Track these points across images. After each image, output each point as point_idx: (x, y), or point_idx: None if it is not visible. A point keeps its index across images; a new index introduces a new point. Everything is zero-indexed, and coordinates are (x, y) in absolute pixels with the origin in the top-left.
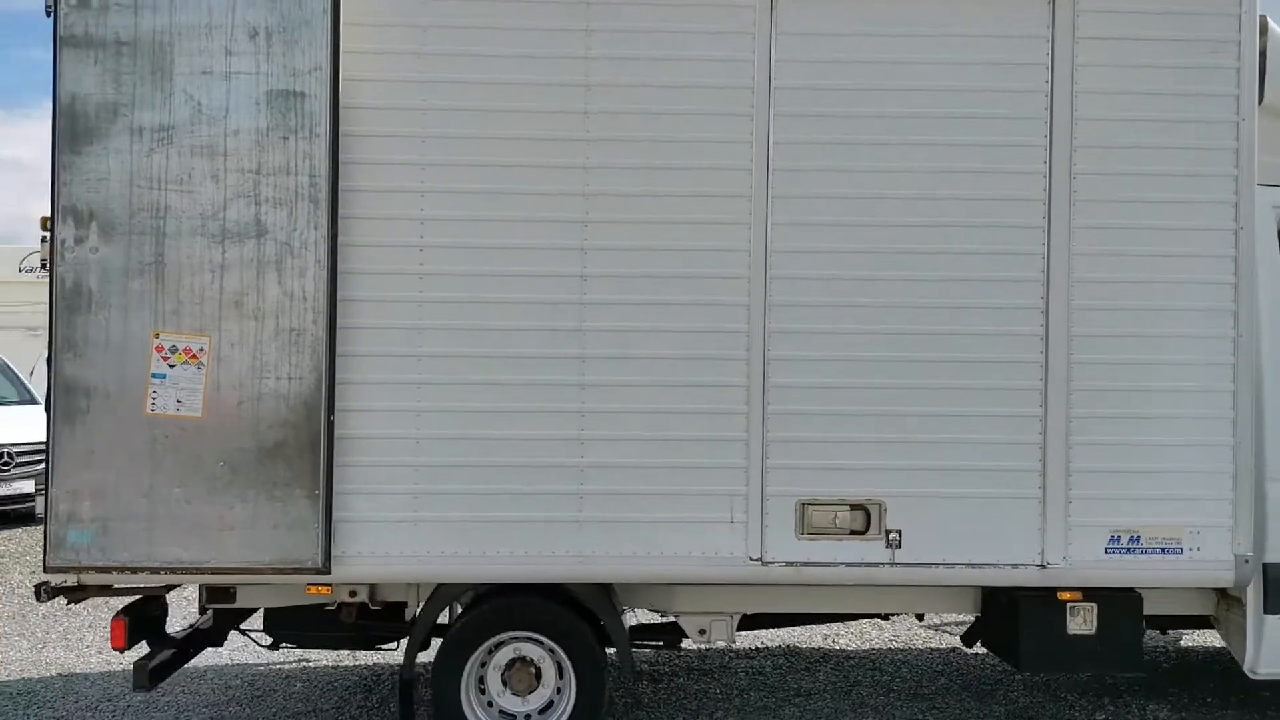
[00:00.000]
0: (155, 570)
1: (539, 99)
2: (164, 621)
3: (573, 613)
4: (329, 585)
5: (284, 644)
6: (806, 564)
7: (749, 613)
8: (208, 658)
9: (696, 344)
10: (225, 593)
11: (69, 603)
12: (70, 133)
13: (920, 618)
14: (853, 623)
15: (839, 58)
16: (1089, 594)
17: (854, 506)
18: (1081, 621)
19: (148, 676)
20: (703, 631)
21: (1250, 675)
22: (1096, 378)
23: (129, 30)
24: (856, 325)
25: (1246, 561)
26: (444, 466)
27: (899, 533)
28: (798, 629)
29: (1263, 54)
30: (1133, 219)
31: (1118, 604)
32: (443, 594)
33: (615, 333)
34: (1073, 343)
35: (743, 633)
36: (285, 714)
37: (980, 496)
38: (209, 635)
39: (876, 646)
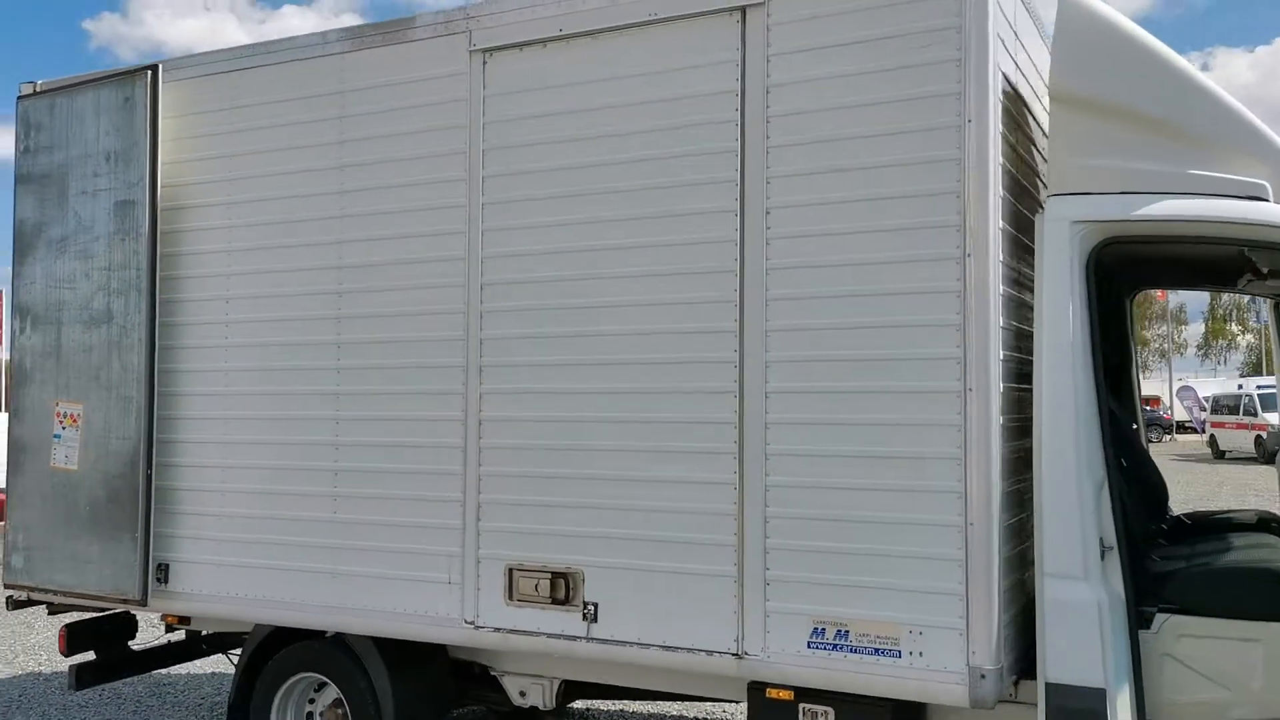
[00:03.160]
0: (52, 591)
1: (304, 184)
2: (119, 634)
3: (350, 660)
4: (177, 615)
5: None
6: (513, 631)
7: (570, 679)
8: None
9: (421, 405)
10: (182, 617)
11: (50, 613)
12: (19, 248)
13: None
14: None
15: (542, 111)
16: (821, 696)
17: (555, 574)
18: None
19: (76, 678)
20: (523, 694)
21: None
22: (795, 441)
23: (47, 166)
24: (555, 385)
25: (984, 677)
26: (240, 518)
27: (595, 606)
28: None
29: (1054, 34)
30: (829, 256)
31: (862, 712)
32: (257, 632)
33: (359, 396)
34: (769, 400)
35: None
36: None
37: (675, 571)
38: (184, 650)
39: None
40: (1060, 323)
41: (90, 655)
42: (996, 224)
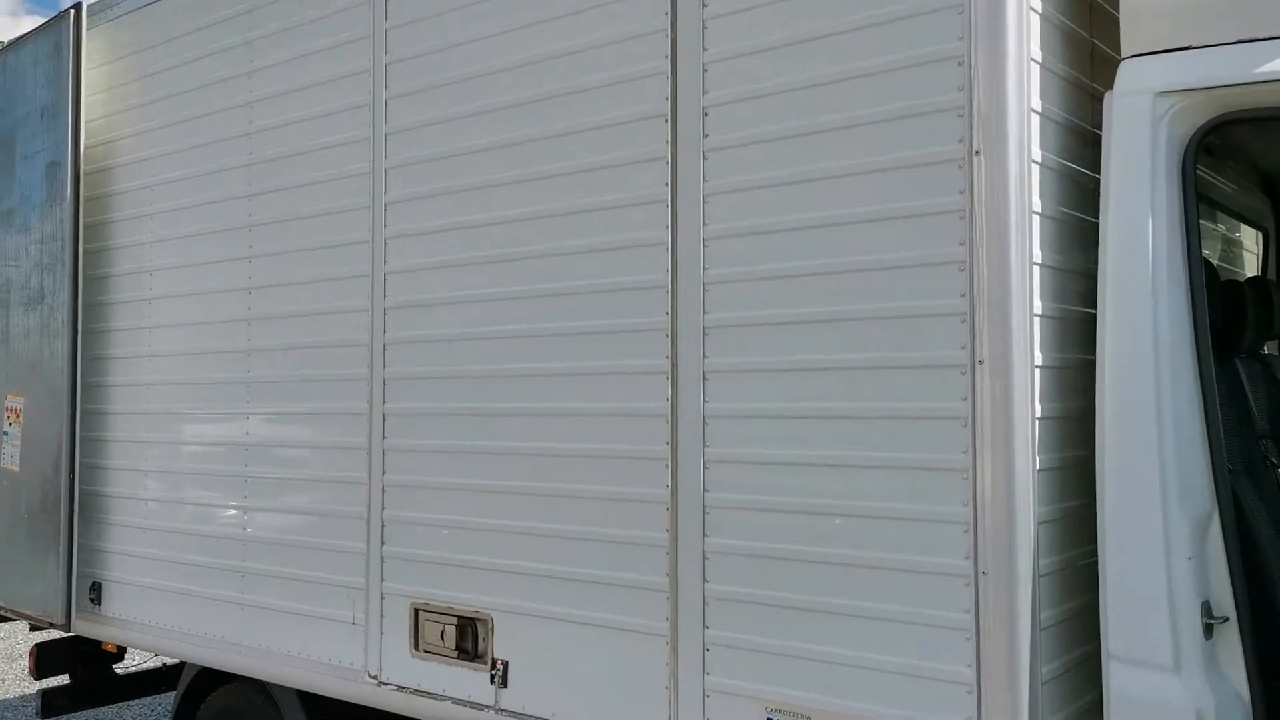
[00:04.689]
0: (3, 607)
1: (216, 128)
2: (102, 657)
3: (274, 712)
4: (112, 643)
5: None
6: (417, 692)
7: None
8: None
9: (326, 395)
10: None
11: (31, 629)
12: None
13: None
14: None
15: (447, 43)
16: None
17: (462, 620)
18: None
19: (44, 705)
20: None
21: None
22: (740, 441)
23: (2, 130)
24: (469, 367)
25: None
26: (162, 531)
27: (505, 665)
28: None
29: None
30: (778, 169)
31: None
32: (187, 670)
33: (269, 384)
34: (707, 383)
35: None
36: None
37: (595, 623)
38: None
39: None
40: (1135, 255)
41: (65, 679)
42: (1026, 105)
